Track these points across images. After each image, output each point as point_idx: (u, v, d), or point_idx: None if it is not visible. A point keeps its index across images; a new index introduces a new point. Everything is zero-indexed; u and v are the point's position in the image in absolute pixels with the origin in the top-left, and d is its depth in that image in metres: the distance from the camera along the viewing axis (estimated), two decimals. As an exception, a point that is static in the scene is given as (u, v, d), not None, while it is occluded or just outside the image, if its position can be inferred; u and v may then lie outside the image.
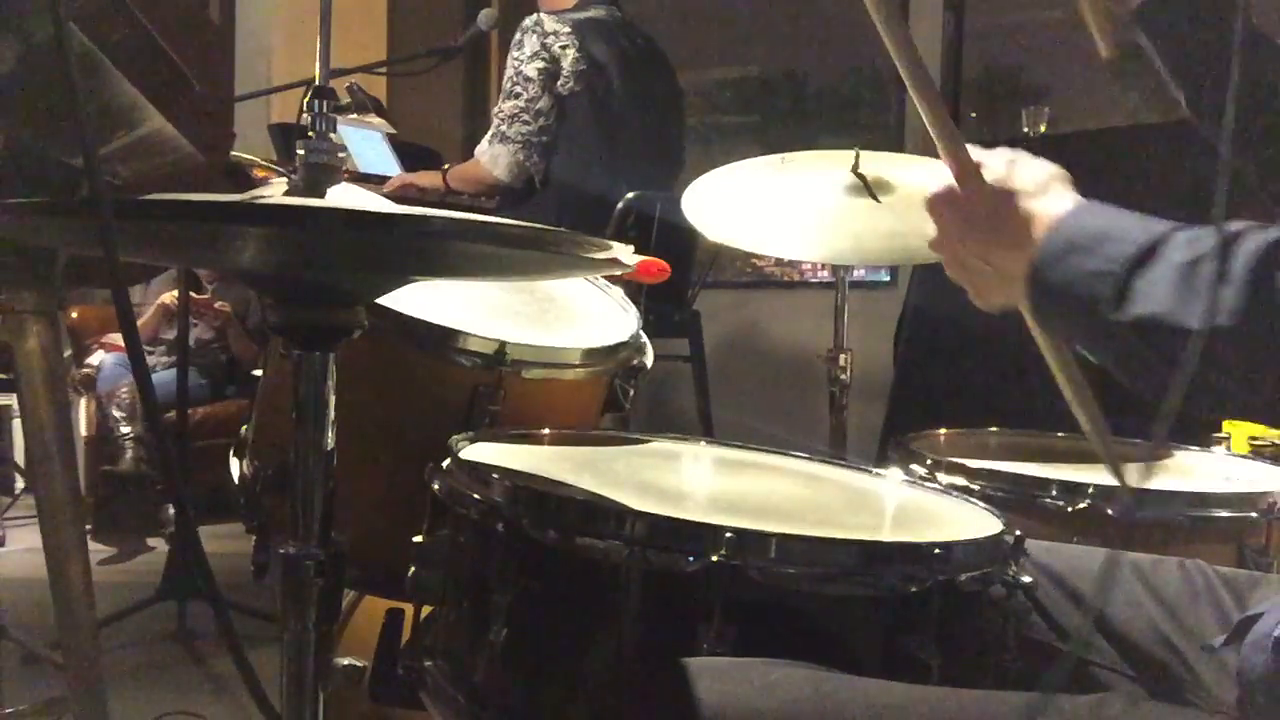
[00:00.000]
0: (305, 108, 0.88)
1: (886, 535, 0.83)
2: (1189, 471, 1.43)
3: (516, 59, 2.80)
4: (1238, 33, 0.70)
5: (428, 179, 3.12)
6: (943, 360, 2.92)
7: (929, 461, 1.31)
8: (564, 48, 2.77)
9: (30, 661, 2.23)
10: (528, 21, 2.82)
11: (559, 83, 2.79)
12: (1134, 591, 0.90)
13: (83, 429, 4.00)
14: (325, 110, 0.86)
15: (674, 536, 0.78)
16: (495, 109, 2.85)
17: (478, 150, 2.87)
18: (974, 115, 4.20)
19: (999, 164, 0.85)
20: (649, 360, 1.35)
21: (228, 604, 0.73)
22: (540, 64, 2.77)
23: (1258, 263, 0.66)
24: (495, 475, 0.89)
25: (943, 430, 1.53)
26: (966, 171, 0.85)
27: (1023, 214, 0.80)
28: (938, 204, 0.85)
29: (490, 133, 2.84)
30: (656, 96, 3.03)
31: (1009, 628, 0.82)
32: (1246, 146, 0.84)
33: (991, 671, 0.80)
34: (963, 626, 0.79)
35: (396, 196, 2.93)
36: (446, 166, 3.09)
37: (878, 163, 1.67)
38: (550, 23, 2.79)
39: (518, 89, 2.79)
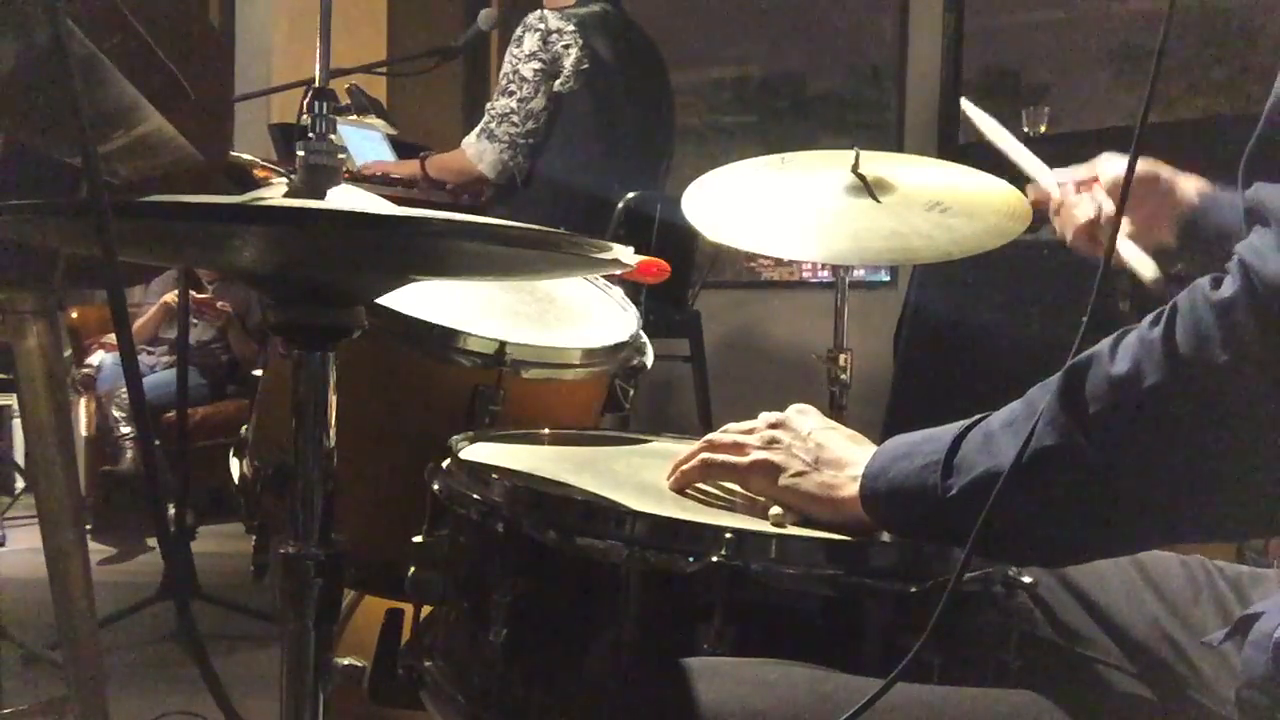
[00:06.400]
0: (305, 108, 0.88)
1: (885, 535, 0.83)
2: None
3: (515, 56, 2.79)
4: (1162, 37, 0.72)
5: (403, 167, 3.12)
6: (943, 360, 2.92)
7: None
8: (566, 47, 2.76)
9: (30, 661, 2.23)
10: (531, 18, 2.80)
11: (558, 81, 2.78)
12: (1135, 587, 0.90)
13: (83, 429, 4.01)
14: (325, 111, 0.86)
15: (674, 536, 0.78)
16: (489, 104, 2.85)
17: (465, 142, 2.87)
18: (974, 115, 4.20)
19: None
20: (649, 360, 1.34)
21: (189, 601, 0.73)
22: (537, 65, 2.77)
23: (1062, 389, 0.70)
24: (495, 475, 0.89)
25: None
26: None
27: (841, 442, 0.88)
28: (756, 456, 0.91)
29: (480, 127, 2.84)
30: (651, 94, 3.02)
31: (1010, 627, 0.82)
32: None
33: (992, 671, 0.80)
34: (963, 626, 0.79)
35: (369, 179, 2.95)
36: (424, 154, 3.09)
37: (878, 163, 1.67)
38: (554, 20, 2.78)
39: (512, 87, 2.79)
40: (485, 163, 2.82)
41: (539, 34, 2.77)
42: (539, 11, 2.82)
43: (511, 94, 2.79)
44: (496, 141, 2.80)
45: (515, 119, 2.79)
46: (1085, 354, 0.70)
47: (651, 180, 2.98)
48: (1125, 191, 0.72)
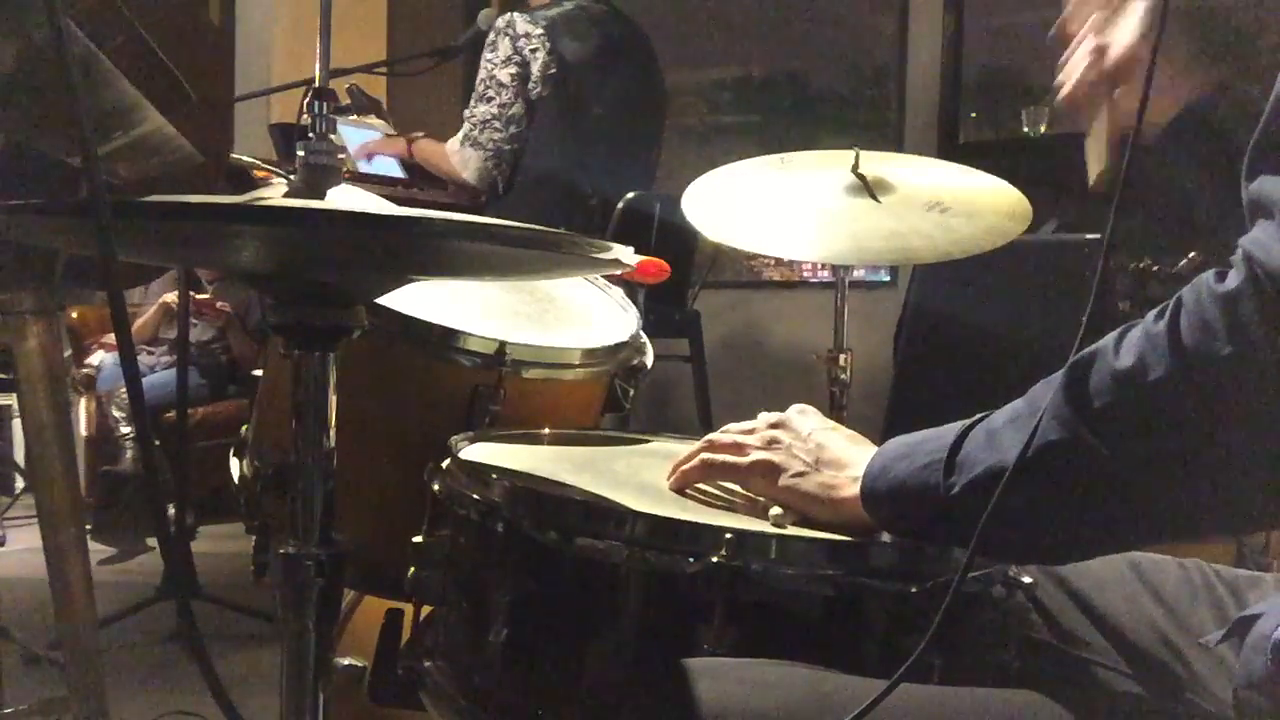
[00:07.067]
0: (305, 108, 0.88)
1: (886, 535, 0.83)
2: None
3: (490, 61, 2.78)
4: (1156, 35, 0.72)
5: (390, 144, 3.11)
6: (943, 360, 2.92)
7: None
8: (534, 50, 2.75)
9: (30, 661, 2.23)
10: (500, 22, 2.80)
11: (529, 85, 2.78)
12: (1132, 590, 0.90)
13: (83, 429, 4.01)
14: (325, 111, 0.86)
15: (674, 537, 0.78)
16: (467, 111, 2.83)
17: (448, 148, 2.87)
18: (974, 115, 4.20)
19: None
20: (649, 360, 1.34)
21: (189, 601, 0.73)
22: (513, 69, 2.76)
23: (1066, 384, 0.70)
24: (495, 475, 0.89)
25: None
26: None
27: (841, 442, 0.88)
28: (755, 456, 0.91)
29: (462, 135, 2.83)
30: (633, 91, 2.99)
31: (1009, 628, 0.82)
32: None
33: (992, 671, 0.80)
34: (963, 626, 0.79)
35: (364, 178, 2.95)
36: (416, 135, 3.07)
37: (878, 163, 1.67)
38: (522, 24, 2.77)
39: (490, 93, 2.78)
40: (470, 170, 2.82)
41: (509, 39, 2.76)
42: (508, 15, 2.81)
43: (490, 100, 2.78)
44: (481, 149, 2.79)
45: (498, 124, 2.78)
46: (1089, 349, 0.70)
47: (638, 175, 2.96)
48: (1122, 184, 0.72)
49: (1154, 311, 0.68)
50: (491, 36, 2.81)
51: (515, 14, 2.81)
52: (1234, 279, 0.64)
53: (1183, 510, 0.70)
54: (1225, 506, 0.69)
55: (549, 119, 2.80)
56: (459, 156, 2.83)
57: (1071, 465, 0.70)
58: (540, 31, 2.76)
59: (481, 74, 2.81)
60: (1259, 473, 0.65)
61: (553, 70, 2.76)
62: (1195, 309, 0.65)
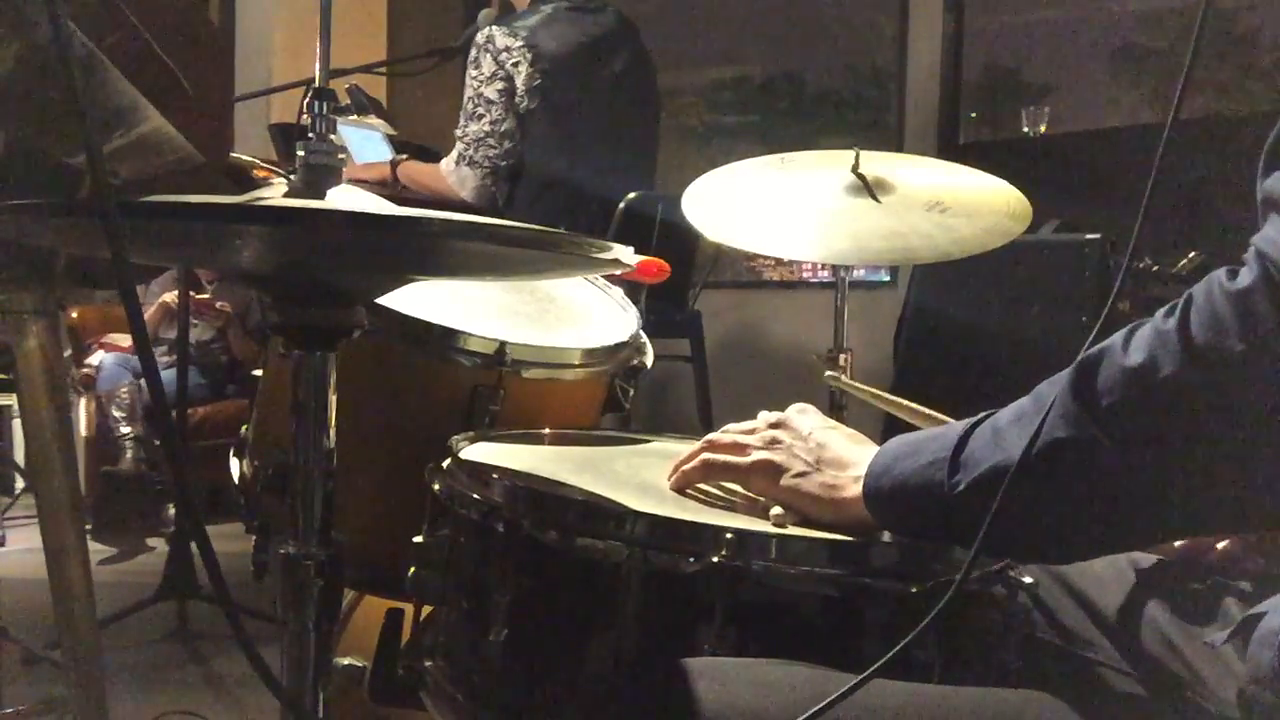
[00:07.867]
0: (305, 108, 0.89)
1: (887, 535, 0.83)
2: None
3: (475, 78, 2.75)
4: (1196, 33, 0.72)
5: (373, 171, 3.09)
6: (943, 360, 2.92)
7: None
8: (516, 65, 2.72)
9: (30, 661, 2.23)
10: (480, 38, 2.76)
11: (516, 100, 2.76)
12: (1133, 589, 0.90)
13: (83, 429, 4.01)
14: (325, 111, 0.86)
15: (674, 536, 0.78)
16: (459, 130, 2.80)
17: (443, 168, 2.84)
18: (974, 115, 4.20)
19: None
20: (649, 360, 1.35)
21: (237, 605, 0.73)
22: (500, 85, 2.73)
23: (1074, 381, 0.69)
24: (495, 475, 0.89)
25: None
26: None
27: (843, 442, 0.87)
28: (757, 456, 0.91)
29: (456, 154, 2.80)
30: (624, 83, 2.96)
31: (1010, 627, 0.82)
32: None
33: (993, 671, 0.80)
34: (963, 626, 0.79)
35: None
36: (400, 158, 3.07)
37: (878, 163, 1.67)
38: (501, 38, 2.73)
39: (480, 111, 2.75)
40: (468, 189, 2.79)
41: (490, 54, 2.73)
42: (486, 30, 2.76)
43: (480, 118, 2.75)
44: (477, 168, 2.77)
45: (491, 142, 2.75)
46: (1097, 347, 0.70)
47: (638, 172, 2.95)
48: (1147, 201, 0.72)
49: (1163, 309, 0.68)
50: (473, 53, 2.76)
51: (494, 28, 2.76)
52: (1246, 276, 0.64)
53: (1192, 508, 0.69)
54: (1235, 504, 0.69)
55: (541, 128, 2.77)
56: (455, 176, 2.80)
57: (1079, 463, 0.69)
58: (520, 44, 2.72)
59: (469, 92, 2.78)
60: (1270, 470, 0.65)
61: (538, 81, 2.73)
62: (1206, 306, 0.65)
